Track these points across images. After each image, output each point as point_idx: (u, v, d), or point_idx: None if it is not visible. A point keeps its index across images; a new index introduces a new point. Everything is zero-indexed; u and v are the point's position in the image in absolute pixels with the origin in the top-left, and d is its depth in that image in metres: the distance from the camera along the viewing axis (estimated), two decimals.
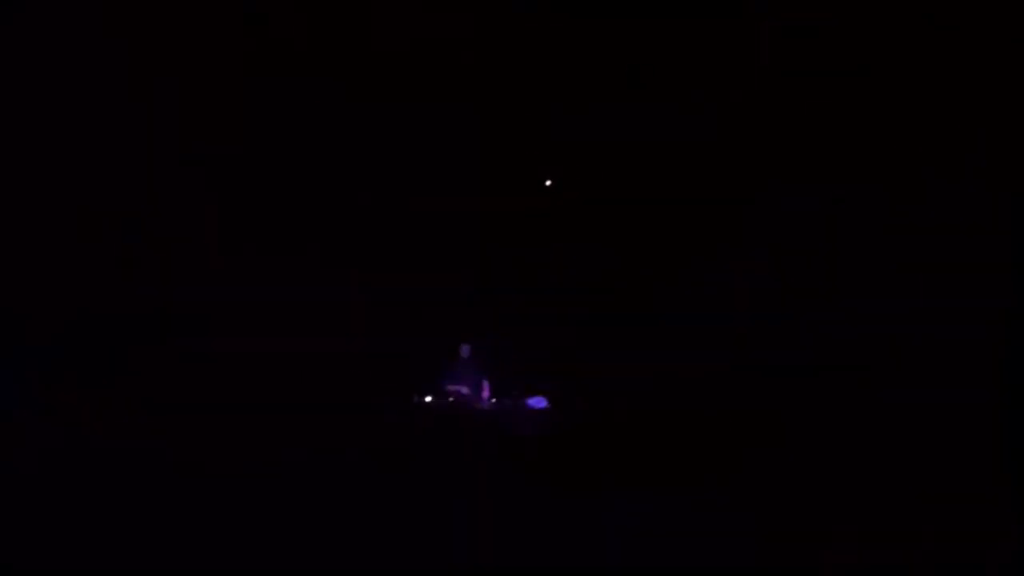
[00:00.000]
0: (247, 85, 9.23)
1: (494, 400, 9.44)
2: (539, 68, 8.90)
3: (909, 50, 8.38)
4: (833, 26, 8.36)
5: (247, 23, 8.77)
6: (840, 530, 5.79)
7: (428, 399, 9.32)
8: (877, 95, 8.68)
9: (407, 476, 7.24)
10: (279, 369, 9.21)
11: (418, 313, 10.07)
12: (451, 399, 9.33)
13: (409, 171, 9.85)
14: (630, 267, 9.97)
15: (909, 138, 8.67)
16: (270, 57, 9.01)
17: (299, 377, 9.13)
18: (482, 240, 10.45)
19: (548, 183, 8.34)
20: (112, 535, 5.51)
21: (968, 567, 5.38)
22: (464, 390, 9.33)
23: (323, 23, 8.84)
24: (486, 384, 9.54)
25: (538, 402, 9.27)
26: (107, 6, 8.43)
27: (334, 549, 5.81)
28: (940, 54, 8.24)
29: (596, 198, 10.12)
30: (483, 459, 7.80)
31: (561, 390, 9.27)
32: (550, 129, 9.49)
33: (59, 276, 8.85)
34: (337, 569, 5.63)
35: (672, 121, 9.16)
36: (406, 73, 8.98)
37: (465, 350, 9.79)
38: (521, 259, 10.28)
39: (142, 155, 9.22)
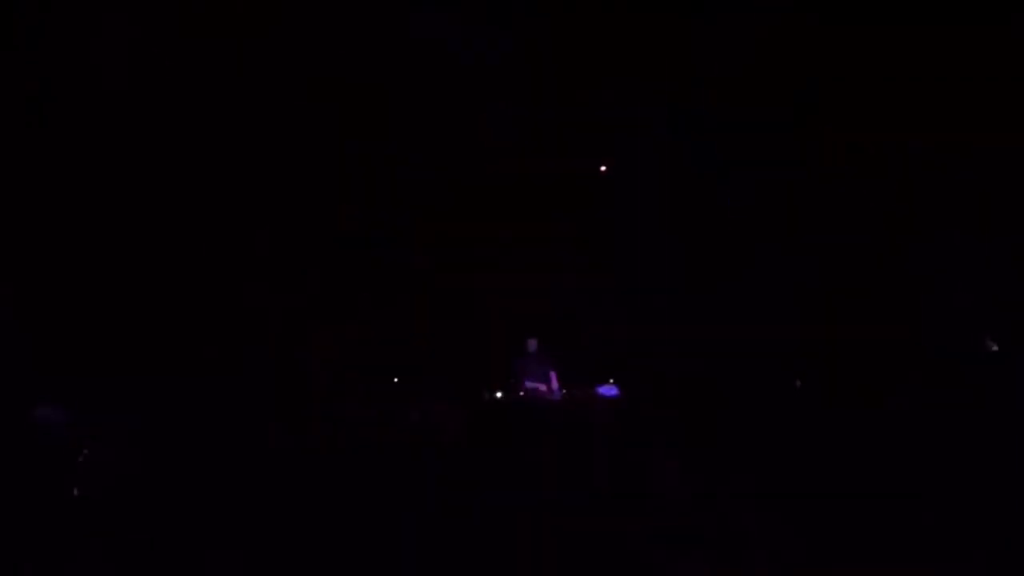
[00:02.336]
0: None
1: (565, 391, 9.61)
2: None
3: None
4: None
5: None
6: None
7: (499, 395, 9.52)
8: None
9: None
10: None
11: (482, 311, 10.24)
12: (522, 393, 9.50)
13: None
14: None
15: None
16: None
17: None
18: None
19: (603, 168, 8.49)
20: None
21: None
22: (542, 387, 9.50)
23: None
24: (554, 376, 9.71)
25: (609, 390, 9.43)
26: None
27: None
28: None
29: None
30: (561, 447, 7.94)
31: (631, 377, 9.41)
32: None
33: None
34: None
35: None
36: None
37: (532, 344, 9.93)
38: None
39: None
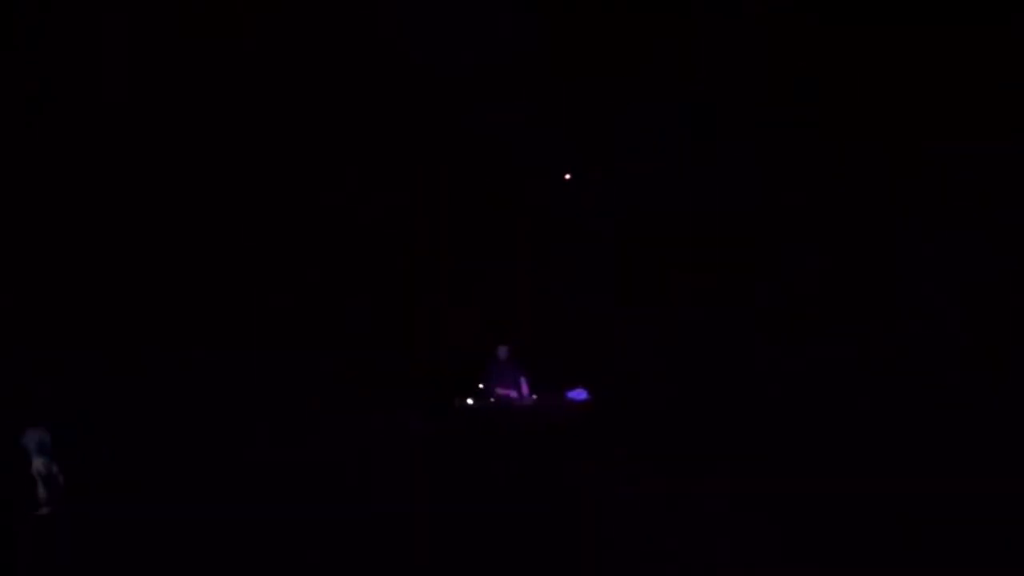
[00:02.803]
0: None
1: (535, 396, 9.67)
2: None
3: None
4: None
5: None
6: None
7: (470, 401, 9.54)
8: None
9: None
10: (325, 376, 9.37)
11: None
12: (493, 400, 9.54)
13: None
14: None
15: None
16: None
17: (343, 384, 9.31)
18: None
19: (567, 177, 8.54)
20: None
21: None
22: (512, 393, 9.56)
23: None
24: (524, 382, 9.78)
25: (579, 394, 9.49)
26: None
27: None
28: None
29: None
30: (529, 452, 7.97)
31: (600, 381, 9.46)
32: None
33: None
34: None
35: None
36: None
37: (503, 351, 9.97)
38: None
39: None
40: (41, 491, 4.37)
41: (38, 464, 4.72)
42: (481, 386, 9.68)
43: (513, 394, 9.65)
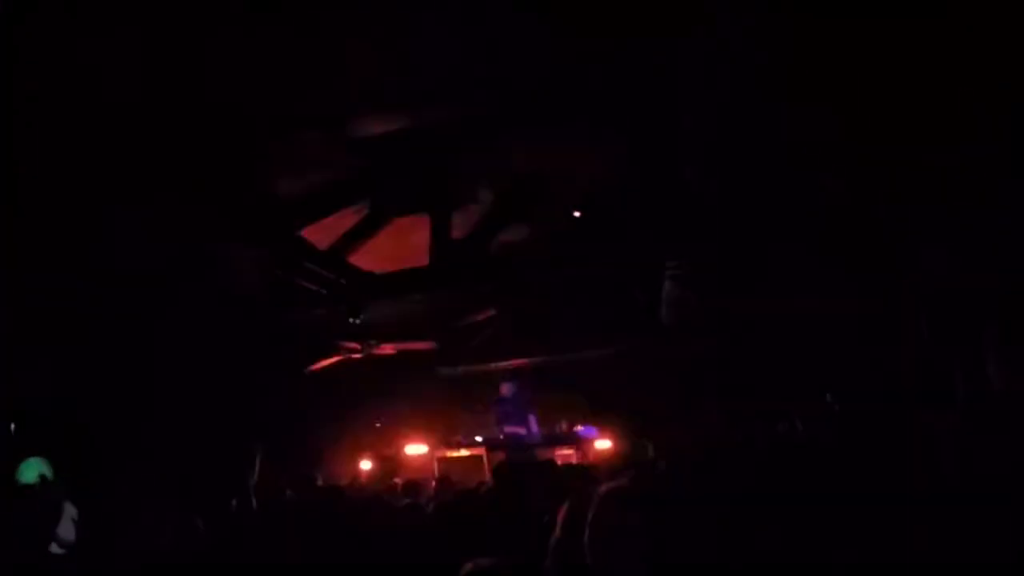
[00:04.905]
0: None
1: (544, 431, 9.61)
2: None
3: None
4: None
5: None
6: None
7: (479, 439, 9.45)
8: None
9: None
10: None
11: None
12: (502, 437, 9.47)
13: None
14: None
15: None
16: None
17: None
18: None
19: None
20: None
21: None
22: (521, 430, 9.48)
23: None
24: (533, 419, 9.71)
25: (589, 431, 9.44)
26: None
27: None
28: None
29: None
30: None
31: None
32: None
33: None
34: None
35: None
36: None
37: (507, 388, 9.91)
38: None
39: None
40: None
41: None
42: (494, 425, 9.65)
43: (522, 431, 9.59)
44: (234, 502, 5.49)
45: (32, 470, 4.53)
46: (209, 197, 5.85)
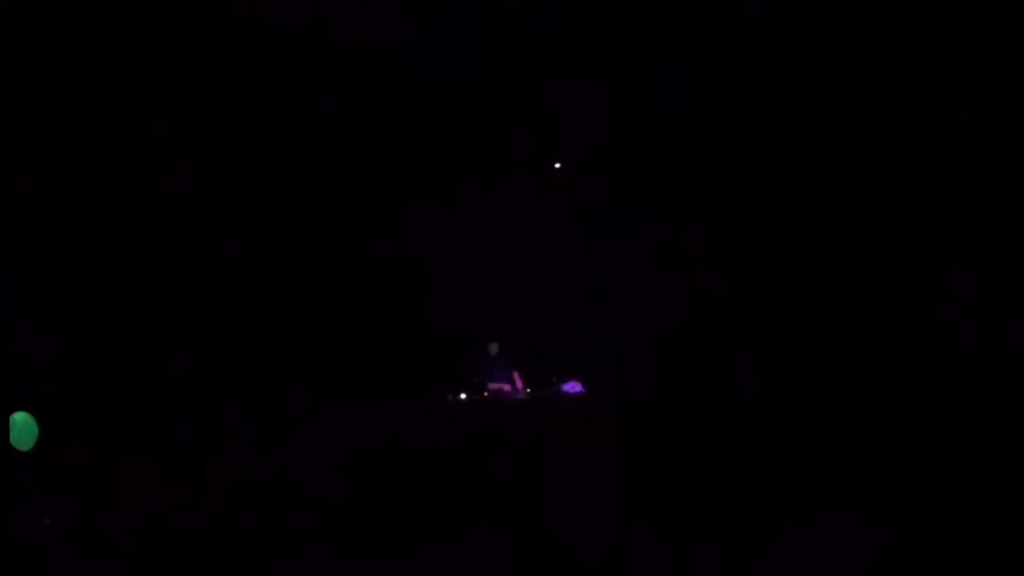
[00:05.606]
0: None
1: (529, 390, 9.65)
2: None
3: None
4: None
5: None
6: None
7: (463, 396, 9.50)
8: None
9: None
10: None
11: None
12: (487, 394, 9.52)
13: None
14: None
15: None
16: None
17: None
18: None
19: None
20: None
21: None
22: (506, 387, 9.54)
23: None
24: (518, 376, 9.77)
25: (573, 387, 9.47)
26: None
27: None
28: None
29: None
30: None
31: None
32: None
33: None
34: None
35: None
36: None
37: (493, 348, 9.95)
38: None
39: None
40: None
41: None
42: (475, 382, 9.68)
43: (507, 388, 9.64)
44: None
45: None
46: None
